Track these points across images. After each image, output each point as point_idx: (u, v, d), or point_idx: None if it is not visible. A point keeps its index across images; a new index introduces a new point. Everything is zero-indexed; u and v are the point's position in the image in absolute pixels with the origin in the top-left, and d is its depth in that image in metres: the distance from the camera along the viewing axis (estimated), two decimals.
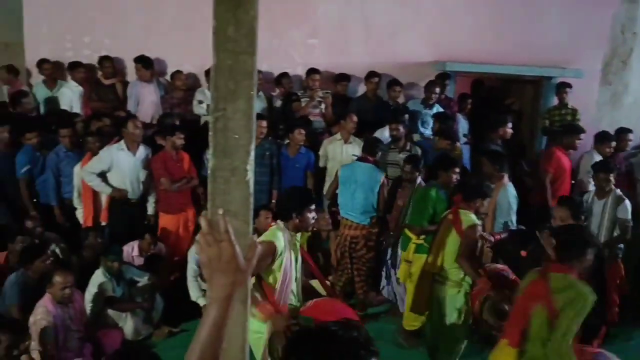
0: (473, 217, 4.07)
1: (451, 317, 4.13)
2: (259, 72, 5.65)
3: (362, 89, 6.94)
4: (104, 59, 6.51)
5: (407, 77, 6.99)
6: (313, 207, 3.42)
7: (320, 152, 5.99)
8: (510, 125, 5.91)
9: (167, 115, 6.12)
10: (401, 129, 5.74)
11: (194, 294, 5.01)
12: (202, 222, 1.35)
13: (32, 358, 3.76)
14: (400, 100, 6.73)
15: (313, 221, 3.46)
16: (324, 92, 6.55)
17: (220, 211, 1.41)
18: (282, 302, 3.30)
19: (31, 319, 3.87)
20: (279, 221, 3.40)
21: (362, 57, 6.92)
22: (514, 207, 4.79)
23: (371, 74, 6.69)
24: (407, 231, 4.92)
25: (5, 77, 6.89)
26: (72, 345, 4.06)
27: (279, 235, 3.28)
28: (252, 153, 1.60)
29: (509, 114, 6.54)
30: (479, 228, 4.13)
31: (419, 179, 5.13)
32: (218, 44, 1.50)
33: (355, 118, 5.89)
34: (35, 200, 5.42)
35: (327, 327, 1.34)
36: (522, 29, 7.07)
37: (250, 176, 1.59)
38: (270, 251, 3.17)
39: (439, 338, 4.29)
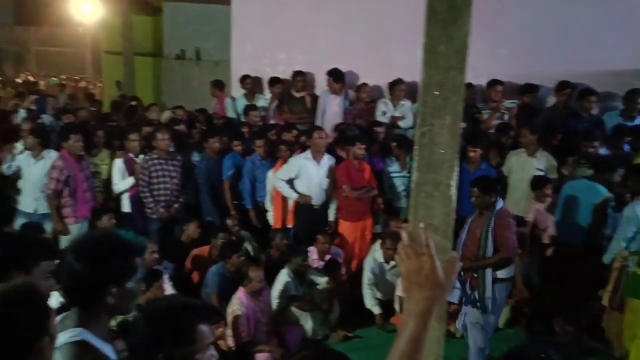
0: None
1: None
2: None
3: (551, 98, 6.44)
4: (297, 74, 7.04)
5: (603, 86, 6.29)
6: None
7: (505, 165, 5.70)
8: None
9: (347, 126, 6.39)
10: (596, 145, 5.20)
11: (369, 302, 5.13)
12: (404, 234, 1.36)
13: (227, 344, 4.22)
14: (595, 111, 6.08)
15: None
16: (510, 103, 6.22)
17: (422, 224, 1.43)
18: None
19: (228, 309, 4.33)
20: None
21: (554, 65, 6.41)
22: None
23: (563, 85, 6.16)
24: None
25: (214, 91, 7.91)
26: (260, 337, 4.43)
27: None
28: (456, 168, 1.59)
29: None
30: None
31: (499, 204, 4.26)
32: (428, 60, 1.53)
33: (534, 132, 5.49)
34: (236, 202, 6.04)
35: None
36: None
37: (454, 191, 1.59)
38: None
39: None
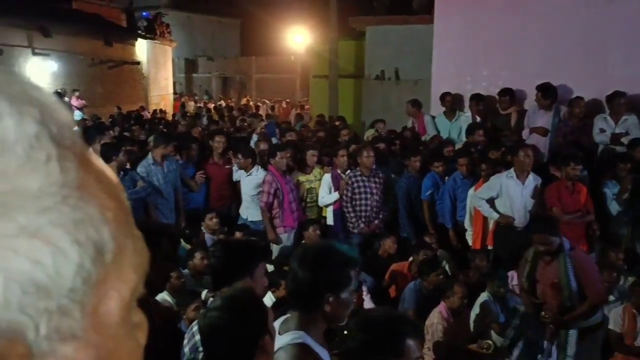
0: None
1: None
2: None
3: None
4: (503, 92, 6.76)
5: None
6: None
7: None
8: None
9: (561, 145, 5.90)
10: None
11: None
12: None
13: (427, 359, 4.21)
14: None
15: None
16: None
17: None
18: None
19: (427, 322, 4.32)
20: None
21: None
22: None
23: None
24: None
25: (410, 110, 8.00)
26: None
27: None
28: None
29: None
30: None
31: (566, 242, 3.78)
32: None
33: None
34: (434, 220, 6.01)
35: None
36: None
37: None
38: None
39: None
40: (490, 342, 4.14)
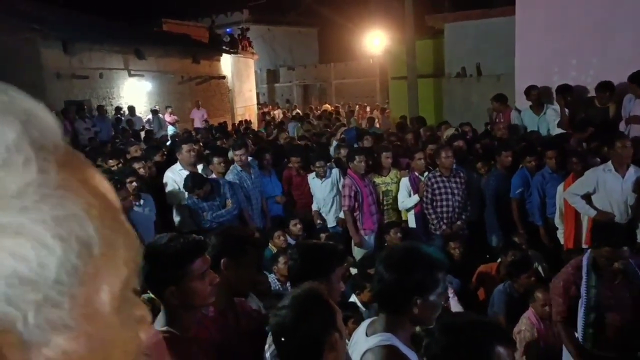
0: None
1: None
2: None
3: None
4: (602, 87, 6.32)
5: None
6: None
7: None
8: None
9: None
10: None
11: None
12: None
13: None
14: None
15: None
16: None
17: None
18: None
19: (515, 329, 4.12)
20: None
21: None
22: None
23: None
24: None
25: (495, 105, 7.72)
26: None
27: None
28: None
29: None
30: None
31: None
32: None
33: None
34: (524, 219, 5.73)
35: None
36: None
37: None
38: None
39: None
40: None
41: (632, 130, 5.82)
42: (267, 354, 2.14)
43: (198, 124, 15.91)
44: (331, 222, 6.30)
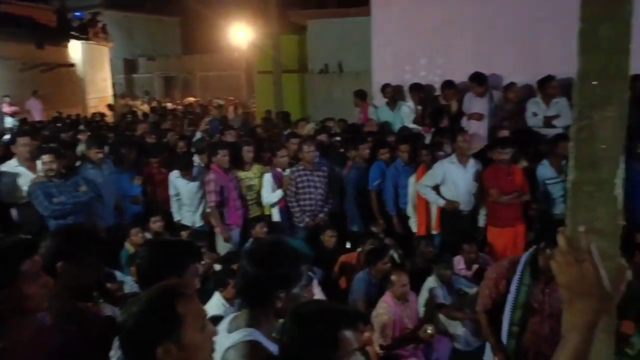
0: None
1: None
2: None
3: None
4: (446, 85, 6.85)
5: None
6: None
7: None
8: None
9: (497, 128, 6.07)
10: None
11: None
12: (560, 239, 1.25)
13: (374, 349, 4.23)
14: None
15: None
16: None
17: (582, 228, 1.29)
18: None
19: (374, 313, 4.34)
20: None
21: None
22: None
23: None
24: None
25: (356, 101, 8.05)
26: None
27: None
28: (622, 165, 1.42)
29: None
30: None
31: None
32: (585, 45, 1.39)
33: None
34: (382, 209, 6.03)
35: None
36: None
37: (619, 191, 1.42)
38: None
39: None
40: (431, 327, 4.15)
41: (471, 126, 6.43)
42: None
43: (37, 115, 14.44)
44: (198, 222, 6.08)
